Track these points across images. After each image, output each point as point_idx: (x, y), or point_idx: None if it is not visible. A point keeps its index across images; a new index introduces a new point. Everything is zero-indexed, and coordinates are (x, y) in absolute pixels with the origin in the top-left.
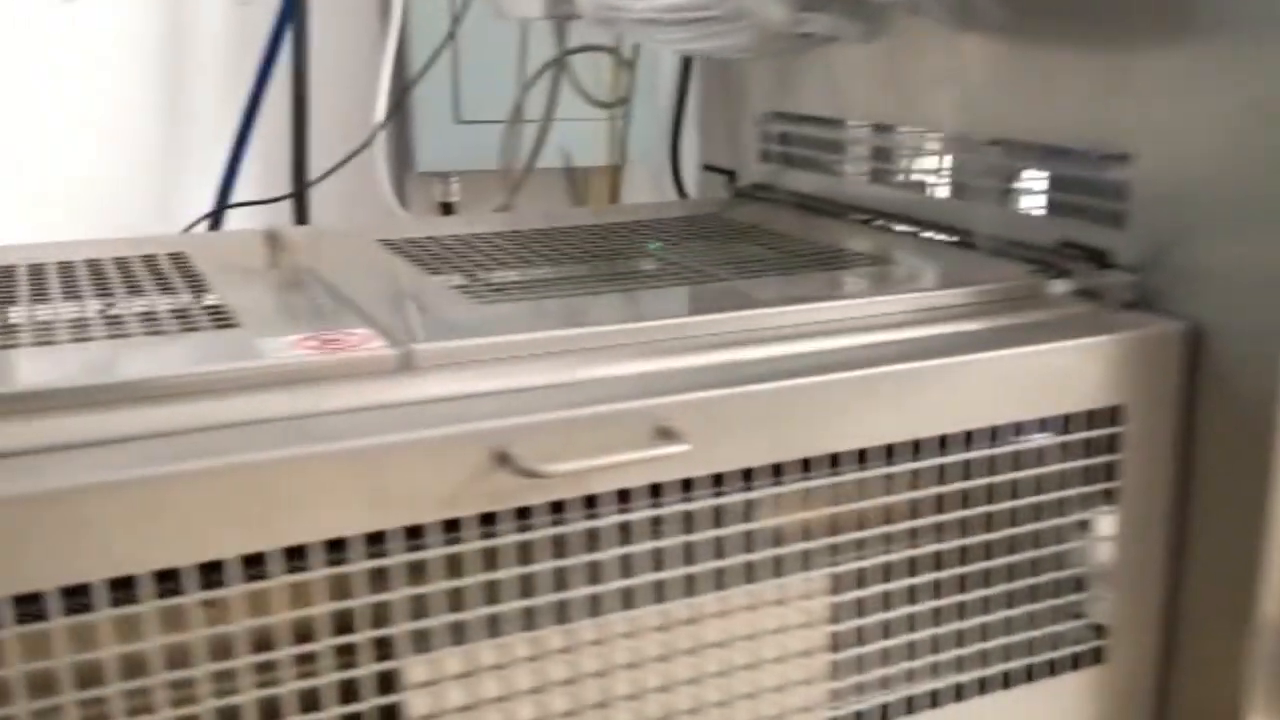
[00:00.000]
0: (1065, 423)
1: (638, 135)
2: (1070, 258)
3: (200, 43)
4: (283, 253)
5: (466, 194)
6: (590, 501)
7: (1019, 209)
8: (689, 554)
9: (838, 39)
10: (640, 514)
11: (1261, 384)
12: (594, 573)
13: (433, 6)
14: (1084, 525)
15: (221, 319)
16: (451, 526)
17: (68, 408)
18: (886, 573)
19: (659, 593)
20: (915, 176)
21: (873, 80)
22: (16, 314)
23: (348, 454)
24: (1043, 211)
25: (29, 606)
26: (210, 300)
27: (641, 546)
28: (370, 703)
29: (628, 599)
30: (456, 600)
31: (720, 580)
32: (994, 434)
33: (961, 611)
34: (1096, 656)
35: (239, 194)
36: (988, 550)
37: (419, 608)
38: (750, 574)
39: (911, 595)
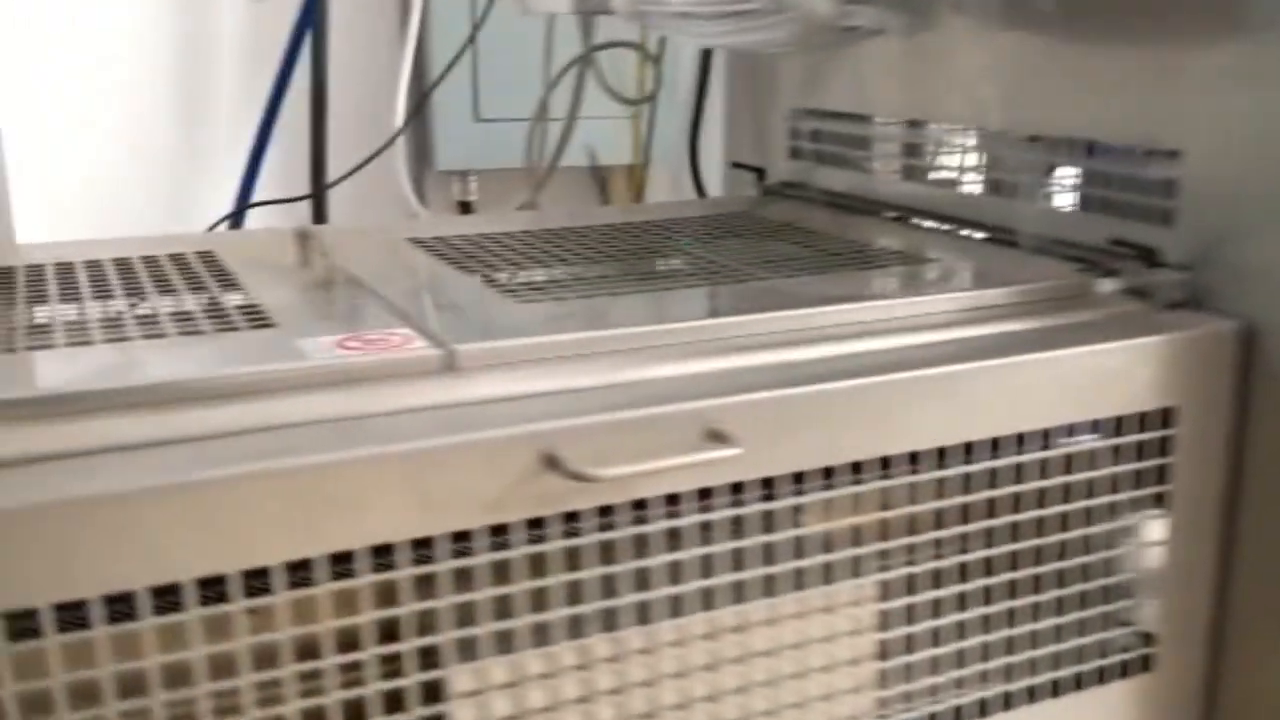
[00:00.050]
0: (1118, 425)
1: (659, 133)
2: (1118, 256)
3: (219, 45)
4: (314, 252)
5: (485, 192)
6: (637, 505)
7: (1061, 206)
8: (738, 560)
9: (882, 32)
10: (691, 519)
11: None
12: (642, 579)
13: (452, 6)
14: (1133, 530)
15: (258, 319)
16: (497, 531)
17: (108, 410)
18: (936, 579)
19: (707, 599)
20: (949, 173)
21: (906, 76)
22: (49, 314)
23: (395, 457)
24: (1085, 208)
25: (71, 614)
26: (244, 300)
27: (691, 552)
28: (415, 713)
29: (676, 606)
30: (503, 607)
31: (769, 587)
32: (1046, 436)
33: (1011, 618)
34: (1145, 664)
35: (256, 195)
36: (1037, 555)
37: (464, 615)
38: (799, 580)
39: (961, 602)
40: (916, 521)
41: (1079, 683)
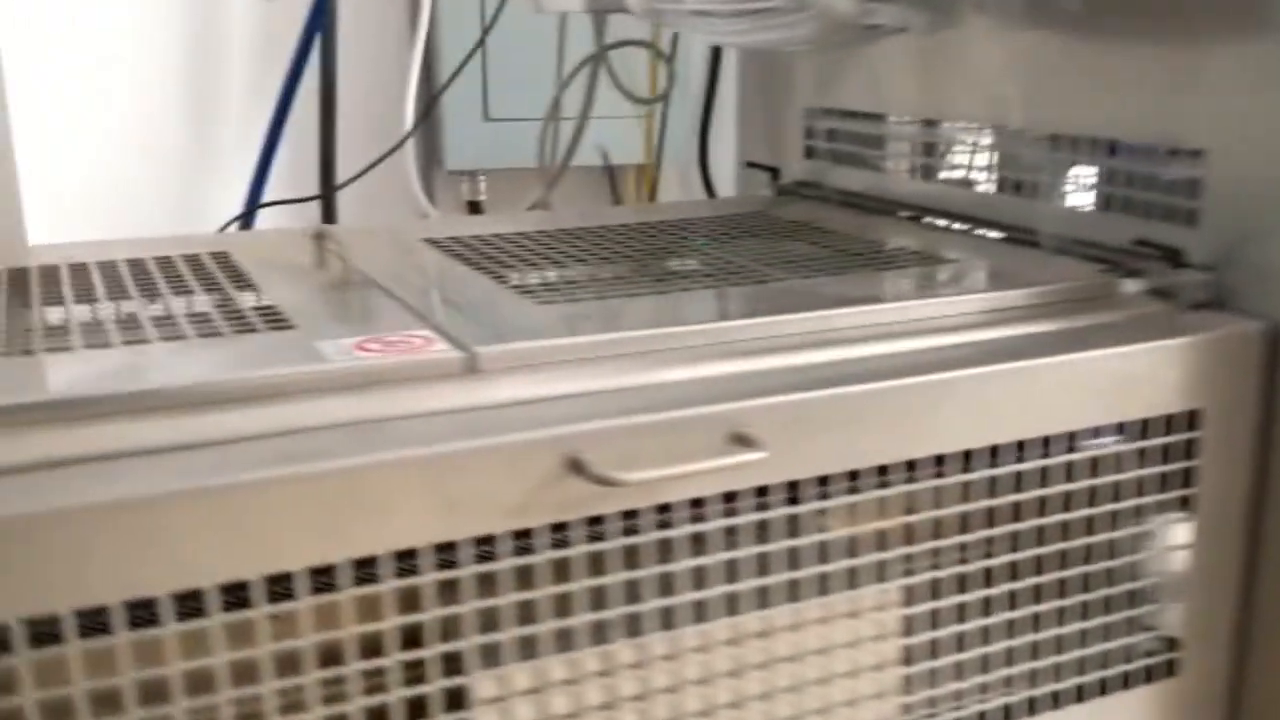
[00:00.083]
0: (1143, 428)
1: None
2: (1142, 256)
3: (228, 45)
4: (330, 252)
5: (493, 192)
6: (660, 509)
7: (1081, 205)
8: (762, 564)
9: (905, 30)
10: (715, 524)
11: None
12: (666, 584)
13: (461, 6)
14: (1158, 534)
15: (276, 320)
16: (519, 536)
17: (129, 413)
18: (961, 583)
19: (731, 605)
20: (966, 172)
21: (922, 75)
22: (65, 316)
23: (419, 461)
24: (1106, 208)
25: (92, 620)
26: (261, 301)
27: (716, 557)
28: None
29: (699, 612)
30: (526, 613)
31: (793, 591)
32: (1071, 439)
33: (1036, 623)
34: (1170, 669)
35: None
36: (1063, 560)
37: (488, 620)
38: (824, 585)
39: (986, 606)
40: (941, 525)
41: (1103, 688)
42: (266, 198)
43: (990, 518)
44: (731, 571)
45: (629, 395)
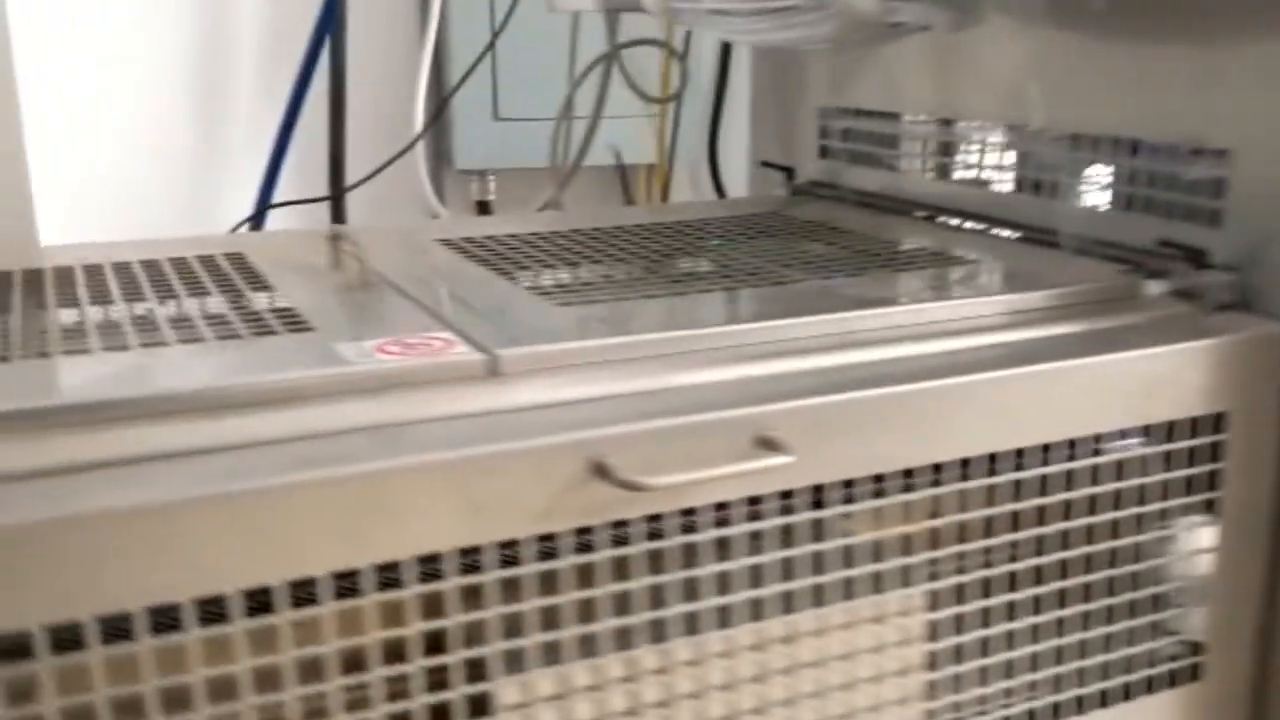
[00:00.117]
0: (1169, 430)
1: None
2: (1165, 257)
3: (238, 45)
4: (346, 254)
5: (503, 192)
6: (684, 513)
7: (1102, 205)
8: (787, 569)
9: (928, 28)
10: (740, 528)
11: None
12: (690, 589)
13: (471, 6)
14: (1182, 537)
15: (294, 322)
16: (543, 541)
17: (149, 417)
18: (985, 588)
19: (756, 610)
20: (984, 172)
21: (938, 73)
22: (80, 317)
23: (442, 465)
24: (1128, 208)
25: (113, 626)
26: (279, 302)
27: (740, 562)
28: None
29: (724, 617)
30: (550, 618)
31: (818, 596)
32: (1096, 442)
33: (1060, 628)
34: (1194, 673)
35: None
36: (1087, 564)
37: (512, 626)
38: (848, 590)
39: (1010, 611)
40: (966, 529)
41: (1127, 693)
42: (277, 198)
43: (1015, 521)
44: (756, 576)
45: (652, 398)
